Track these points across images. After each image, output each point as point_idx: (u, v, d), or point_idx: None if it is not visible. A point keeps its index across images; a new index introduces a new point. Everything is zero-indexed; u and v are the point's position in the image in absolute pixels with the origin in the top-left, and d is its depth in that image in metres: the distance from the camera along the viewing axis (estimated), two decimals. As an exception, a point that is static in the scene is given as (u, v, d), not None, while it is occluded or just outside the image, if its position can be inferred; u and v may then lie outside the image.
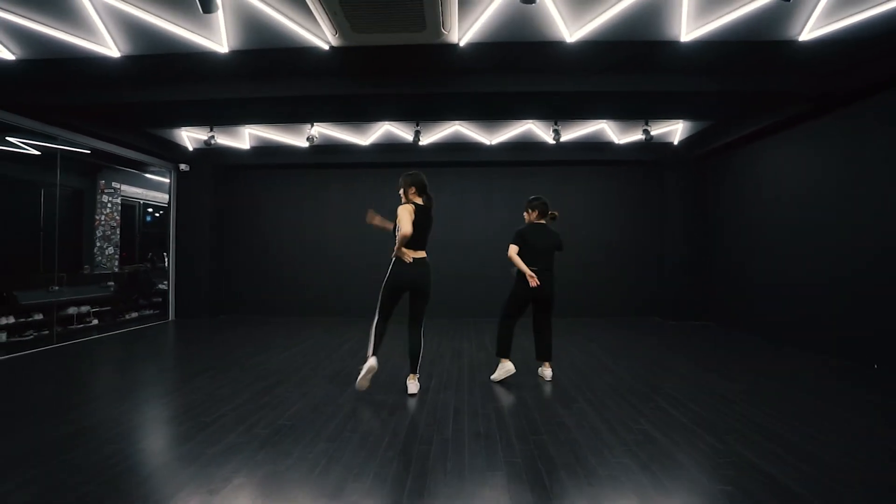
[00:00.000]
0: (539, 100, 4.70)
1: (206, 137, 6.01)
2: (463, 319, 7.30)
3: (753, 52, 3.93)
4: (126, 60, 4.06)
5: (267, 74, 4.45)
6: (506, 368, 3.89)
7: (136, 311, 8.34)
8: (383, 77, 4.39)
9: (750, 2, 3.29)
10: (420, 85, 4.43)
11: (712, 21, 3.54)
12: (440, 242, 7.92)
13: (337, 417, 3.03)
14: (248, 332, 6.37)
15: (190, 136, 6.44)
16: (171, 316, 7.70)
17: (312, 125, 5.83)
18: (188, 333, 6.47)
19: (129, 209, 9.29)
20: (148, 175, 9.13)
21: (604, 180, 7.64)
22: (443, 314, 7.46)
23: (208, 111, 5.21)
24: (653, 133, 5.89)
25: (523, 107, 5.01)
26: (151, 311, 8.31)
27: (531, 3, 3.00)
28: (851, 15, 3.40)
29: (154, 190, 9.28)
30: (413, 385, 3.52)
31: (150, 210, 9.49)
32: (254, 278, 7.95)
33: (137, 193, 9.27)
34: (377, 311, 3.47)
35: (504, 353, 3.94)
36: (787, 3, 3.04)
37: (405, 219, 3.37)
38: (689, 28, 3.63)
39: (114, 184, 8.42)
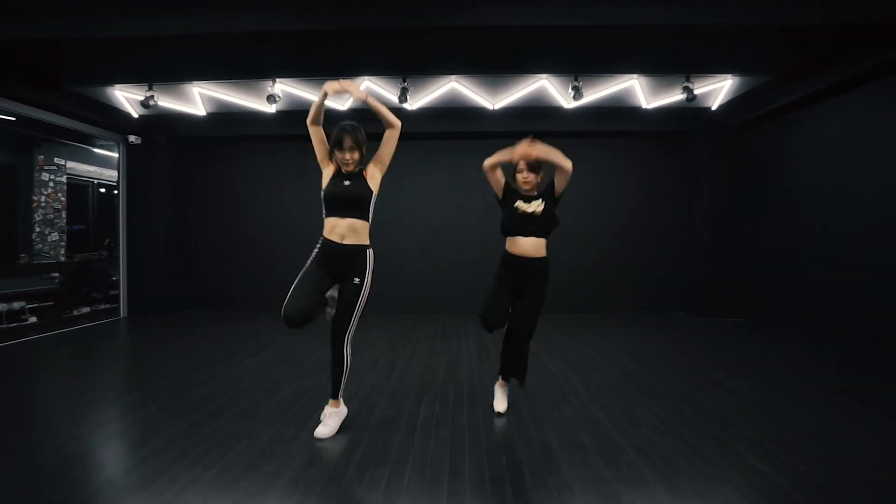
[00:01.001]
0: (551, 37, 3.59)
1: (142, 98, 4.87)
2: (460, 316, 6.29)
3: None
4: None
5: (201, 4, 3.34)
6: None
7: (87, 305, 7.30)
8: (350, 3, 3.27)
9: None
10: (399, 17, 3.32)
11: None
12: (431, 228, 6.78)
13: (281, 480, 2.02)
14: (208, 333, 5.36)
15: (130, 99, 5.30)
16: (123, 312, 6.65)
17: (274, 82, 4.71)
18: (136, 336, 5.44)
19: (80, 189, 8.18)
20: (99, 150, 8.00)
21: (624, 155, 6.55)
22: (438, 311, 6.47)
23: (134, 54, 4.08)
24: (696, 92, 4.77)
25: (533, 50, 3.90)
26: (106, 306, 7.27)
27: None
28: None
29: (111, 168, 8.15)
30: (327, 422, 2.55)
31: (108, 190, 8.37)
32: (224, 267, 6.89)
33: (89, 171, 8.15)
34: (354, 331, 2.54)
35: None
36: None
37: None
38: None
39: (56, 159, 7.30)
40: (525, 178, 2.65)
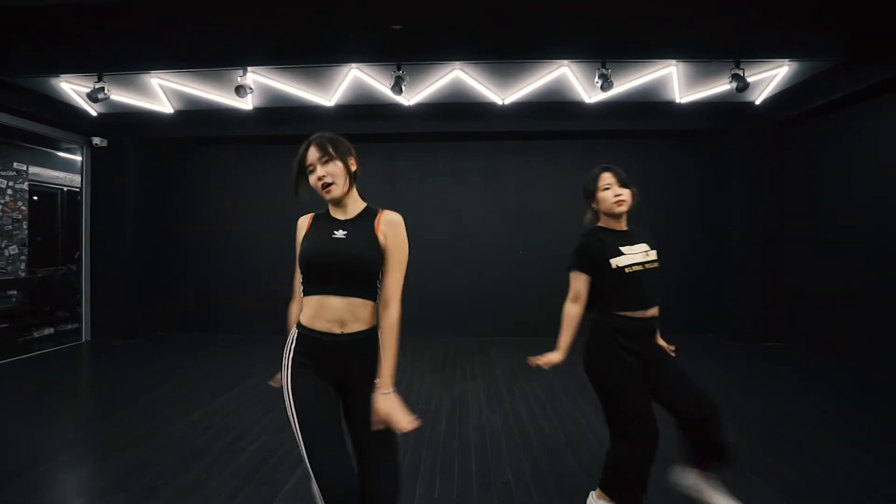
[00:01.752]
0: (575, 11, 2.86)
1: (90, 89, 4.15)
2: (467, 340, 5.52)
3: None
4: None
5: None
6: None
7: (51, 325, 6.57)
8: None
9: None
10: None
11: None
12: (431, 241, 5.73)
13: None
14: (175, 362, 4.63)
15: (81, 92, 4.57)
16: (86, 335, 5.90)
17: (245, 71, 3.99)
18: (89, 366, 4.71)
19: (47, 197, 7.45)
20: (66, 154, 7.29)
21: (651, 158, 5.78)
22: (439, 333, 5.69)
23: (70, 34, 3.36)
24: (749, 80, 4.00)
25: (554, 28, 3.17)
26: (73, 326, 6.53)
27: None
28: None
29: (79, 173, 7.44)
30: None
31: (75, 197, 7.66)
32: (199, 285, 6.14)
33: (56, 178, 7.43)
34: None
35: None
36: None
37: None
38: None
39: (16, 164, 6.58)
40: (617, 192, 1.82)
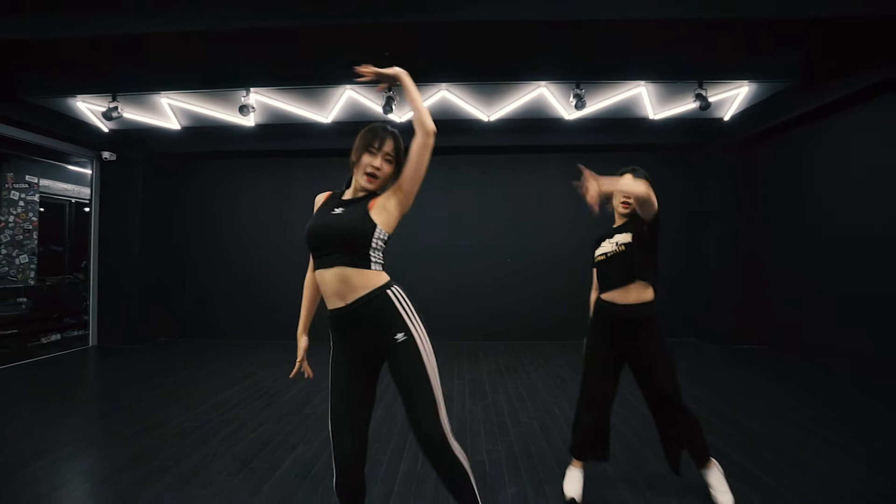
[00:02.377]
0: (550, 36, 3.20)
1: (105, 109, 4.48)
2: (458, 343, 5.77)
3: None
4: None
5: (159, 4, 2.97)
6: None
7: (58, 332, 6.82)
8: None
9: None
10: (389, 11, 2.93)
11: None
12: (424, 249, 6.04)
13: None
14: (177, 364, 4.86)
15: (96, 112, 4.90)
16: (93, 341, 6.16)
17: (248, 91, 4.32)
18: (96, 368, 4.95)
19: (56, 208, 7.76)
20: (75, 168, 7.61)
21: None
22: (431, 337, 5.92)
23: (88, 61, 3.70)
24: (710, 99, 4.35)
25: (531, 53, 3.51)
26: (79, 332, 6.79)
27: None
28: None
29: (87, 186, 7.76)
30: None
31: (83, 209, 7.96)
32: (202, 292, 6.41)
33: (65, 190, 7.75)
34: (446, 416, 1.57)
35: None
36: None
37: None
38: None
39: (28, 177, 6.90)
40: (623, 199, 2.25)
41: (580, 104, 4.25)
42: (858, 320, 4.23)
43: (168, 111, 5.03)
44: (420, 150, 1.55)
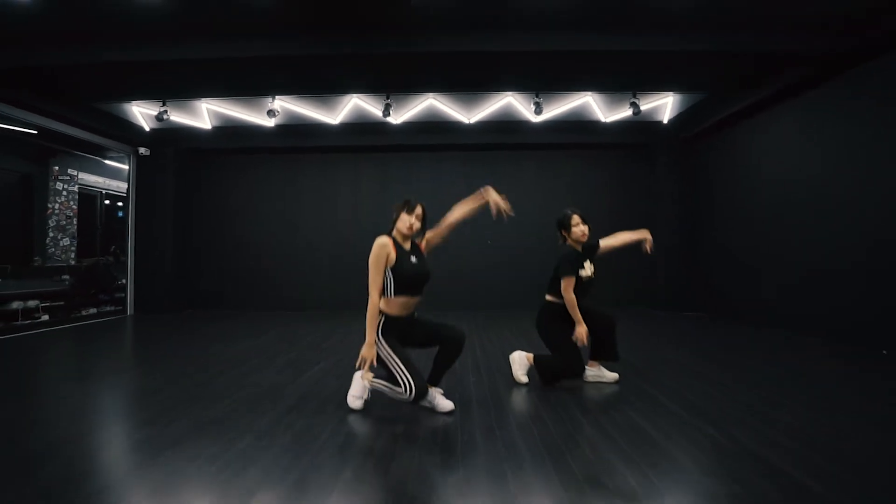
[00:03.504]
0: (513, 63, 4.27)
1: (157, 112, 5.49)
2: (443, 314, 6.83)
3: (755, 3, 3.53)
4: (37, 5, 3.55)
5: (210, 32, 3.98)
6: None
7: (94, 306, 7.79)
8: (335, 33, 3.93)
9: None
10: (377, 44, 3.98)
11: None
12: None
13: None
14: (206, 327, 5.85)
15: (144, 113, 5.92)
16: (130, 310, 7.14)
17: (273, 99, 5.36)
18: (141, 328, 5.94)
19: (89, 199, 8.73)
20: (108, 162, 8.58)
21: (590, 164, 7.24)
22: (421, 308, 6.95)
23: (149, 77, 4.73)
24: (642, 107, 5.47)
25: (497, 73, 4.58)
26: (111, 308, 7.76)
27: None
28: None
29: (117, 179, 8.73)
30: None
31: (117, 203, 8.94)
32: (224, 270, 7.43)
33: (97, 182, 8.72)
34: (412, 380, 2.39)
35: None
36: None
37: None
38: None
39: (70, 170, 7.87)
40: (583, 230, 3.00)
41: (538, 110, 5.34)
42: (776, 288, 5.24)
43: (205, 113, 6.05)
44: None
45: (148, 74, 4.62)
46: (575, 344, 2.88)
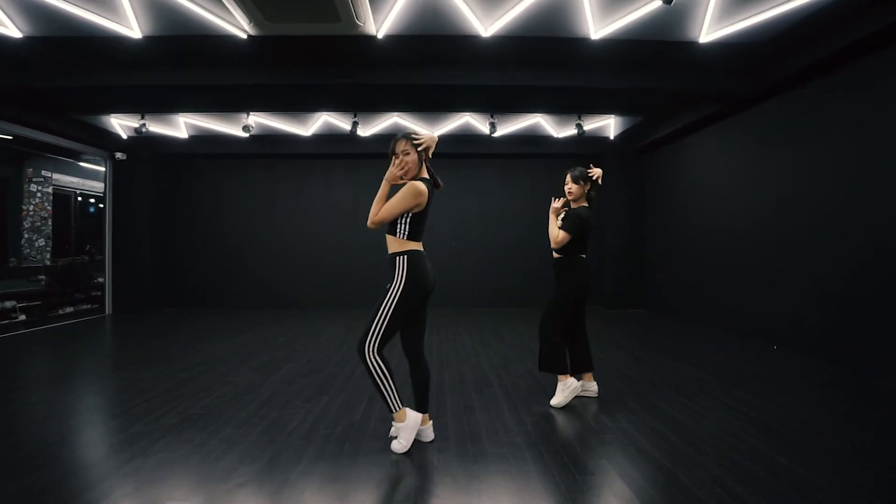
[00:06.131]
0: (467, 93, 4.80)
1: (136, 125, 5.80)
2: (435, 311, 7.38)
3: (660, 51, 4.15)
4: (29, 42, 3.89)
5: (187, 62, 4.36)
6: (571, 387, 3.07)
7: (70, 305, 8.00)
8: (308, 67, 4.38)
9: (646, 3, 3.48)
10: (346, 75, 4.44)
11: (616, 20, 3.71)
12: (377, 242, 7.83)
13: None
14: (177, 328, 6.22)
15: (122, 124, 6.19)
16: (108, 310, 7.43)
17: (248, 115, 5.74)
18: (119, 328, 6.27)
19: (64, 199, 8.87)
20: (83, 164, 8.72)
21: (544, 174, 7.85)
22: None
23: (131, 98, 5.06)
24: (586, 128, 6.10)
25: (454, 99, 5.11)
26: (88, 306, 7.99)
27: (669, 3, 3.15)
28: (743, 19, 3.65)
29: (91, 179, 8.87)
30: (429, 430, 2.48)
31: (90, 200, 9.08)
32: (202, 270, 7.76)
33: (72, 182, 8.85)
34: (378, 338, 2.27)
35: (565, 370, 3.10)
36: (669, 5, 3.22)
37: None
38: (596, 26, 3.80)
39: (44, 172, 8.01)
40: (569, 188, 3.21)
41: (493, 129, 5.90)
42: (711, 289, 5.86)
43: (182, 126, 6.37)
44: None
45: (128, 97, 4.95)
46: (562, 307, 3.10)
